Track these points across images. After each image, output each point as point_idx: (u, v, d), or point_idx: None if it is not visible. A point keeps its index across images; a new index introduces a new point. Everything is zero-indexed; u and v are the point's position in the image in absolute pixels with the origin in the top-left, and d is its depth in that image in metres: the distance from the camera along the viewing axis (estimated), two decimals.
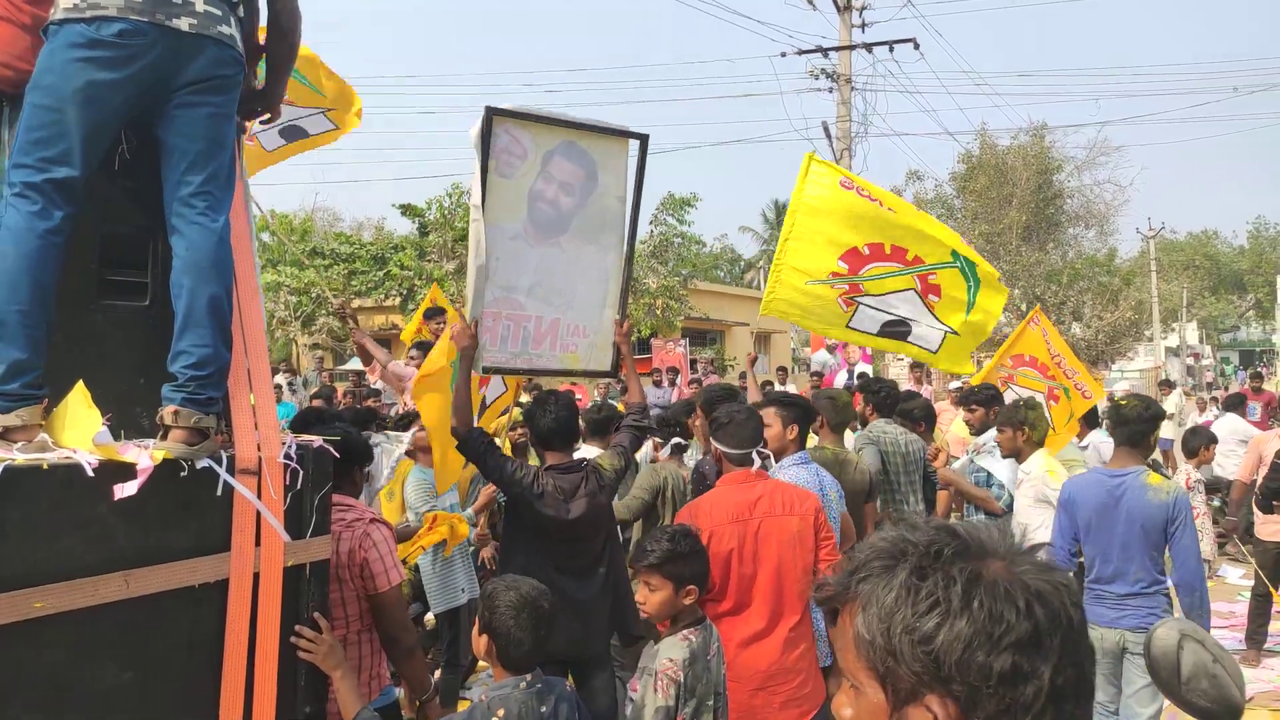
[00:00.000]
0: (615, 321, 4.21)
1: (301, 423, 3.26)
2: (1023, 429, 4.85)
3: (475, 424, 3.95)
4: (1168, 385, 18.77)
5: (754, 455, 3.67)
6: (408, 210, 24.52)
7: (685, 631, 2.94)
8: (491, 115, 3.79)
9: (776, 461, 4.15)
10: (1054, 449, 5.67)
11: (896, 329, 5.73)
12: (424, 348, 7.36)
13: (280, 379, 14.16)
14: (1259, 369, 23.57)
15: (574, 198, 4.05)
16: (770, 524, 3.39)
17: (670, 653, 2.88)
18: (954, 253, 5.55)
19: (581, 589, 3.74)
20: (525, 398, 12.74)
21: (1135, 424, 4.08)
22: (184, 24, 2.28)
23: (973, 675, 0.89)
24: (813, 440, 4.98)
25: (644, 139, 4.15)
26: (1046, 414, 5.53)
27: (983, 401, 5.92)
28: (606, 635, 3.89)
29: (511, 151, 3.89)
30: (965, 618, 0.89)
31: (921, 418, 6.61)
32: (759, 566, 3.36)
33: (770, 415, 4.18)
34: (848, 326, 5.75)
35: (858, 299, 5.66)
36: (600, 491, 3.81)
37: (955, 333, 5.64)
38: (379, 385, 9.01)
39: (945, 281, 5.57)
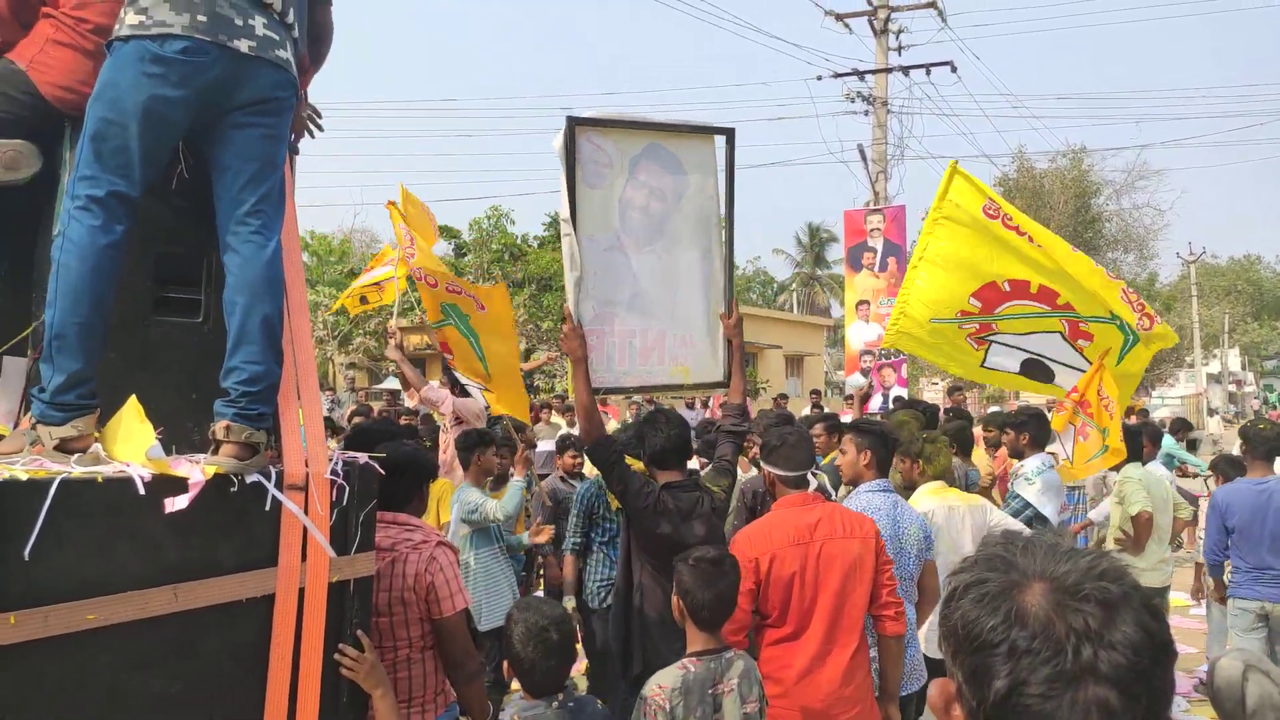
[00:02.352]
0: (722, 316, 4.02)
1: (364, 439, 3.28)
2: (918, 462, 4.70)
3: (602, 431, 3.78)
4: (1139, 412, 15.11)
5: (808, 477, 3.63)
6: (444, 232, 24.80)
7: (686, 660, 2.89)
8: (574, 125, 3.69)
9: (854, 488, 4.09)
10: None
11: (1038, 370, 5.22)
12: (451, 373, 7.45)
13: (322, 399, 14.32)
14: None
15: (665, 202, 3.90)
16: (832, 547, 3.31)
17: (662, 679, 2.83)
18: (1112, 313, 4.92)
19: None
20: (559, 421, 12.75)
21: (1274, 441, 5.27)
22: (244, 46, 2.34)
23: (958, 666, 1.01)
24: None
25: (730, 133, 4.01)
26: (1069, 448, 5.39)
27: (1016, 426, 5.82)
28: None
29: (597, 160, 3.76)
30: (958, 615, 1.01)
31: (953, 440, 6.53)
32: (820, 591, 3.28)
33: (845, 442, 4.13)
34: (983, 366, 5.30)
35: (990, 338, 5.16)
36: (714, 513, 3.72)
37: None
38: (415, 406, 9.12)
39: (1099, 332, 4.96)
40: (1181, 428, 10.22)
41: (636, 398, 16.05)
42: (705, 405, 16.49)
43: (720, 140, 4.00)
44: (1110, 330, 4.89)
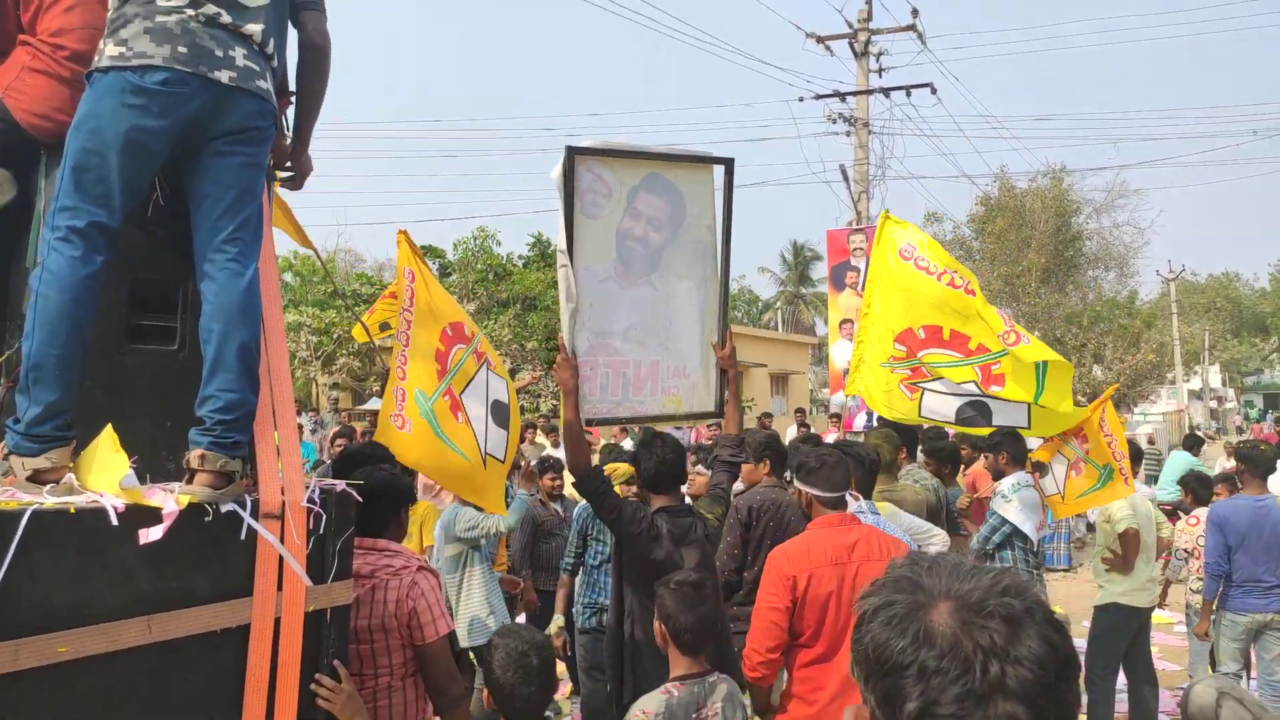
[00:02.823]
0: (714, 346, 4.02)
1: (348, 463, 3.25)
2: None
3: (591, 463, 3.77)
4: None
5: (846, 499, 3.62)
6: (428, 252, 24.81)
7: (669, 684, 2.88)
8: (573, 155, 3.68)
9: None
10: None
11: (977, 411, 5.19)
12: None
13: (303, 420, 14.27)
14: None
15: (663, 233, 3.91)
16: (869, 568, 3.29)
17: (645, 705, 2.83)
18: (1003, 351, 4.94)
19: None
20: (544, 441, 12.72)
21: (1272, 461, 5.87)
22: (224, 76, 2.34)
23: (871, 690, 1.01)
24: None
25: (729, 163, 4.02)
26: (1059, 481, 5.38)
27: (992, 448, 5.83)
28: None
29: (596, 190, 3.76)
30: (868, 638, 1.01)
31: (947, 459, 6.59)
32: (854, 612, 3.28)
33: None
34: (920, 415, 5.29)
35: (921, 384, 5.18)
36: (706, 540, 3.71)
37: (1039, 405, 5.06)
38: None
39: (1010, 371, 4.95)
40: (1194, 443, 10.41)
41: None
42: (692, 426, 16.47)
43: (719, 170, 4.01)
44: (1024, 371, 4.89)
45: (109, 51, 2.27)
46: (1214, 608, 5.73)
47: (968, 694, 0.92)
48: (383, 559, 3.02)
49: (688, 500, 4.47)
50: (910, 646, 0.96)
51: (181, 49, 2.28)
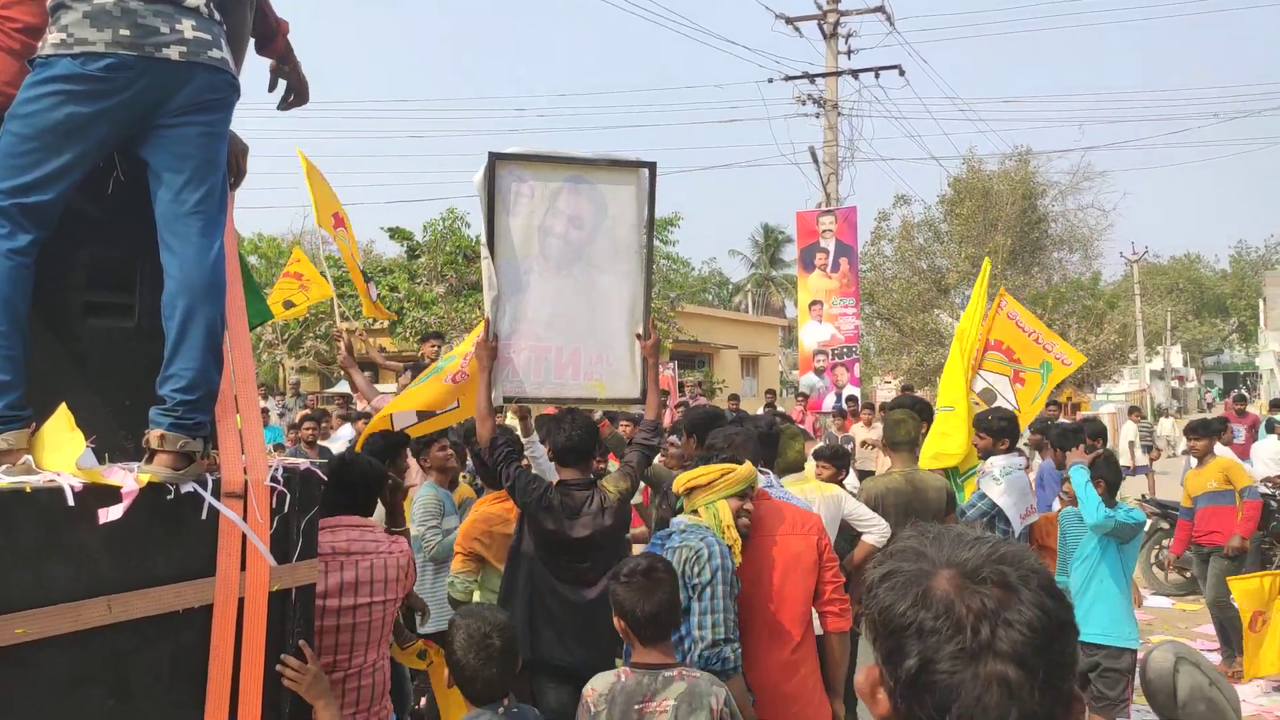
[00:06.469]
0: (637, 337, 4.17)
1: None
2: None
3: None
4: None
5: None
6: (396, 233, 24.57)
7: (623, 668, 2.86)
8: (495, 160, 3.88)
9: None
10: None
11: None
12: (419, 369, 7.36)
13: (270, 404, 14.12)
14: (1242, 391, 23.74)
15: (584, 230, 4.09)
16: (771, 542, 3.34)
17: (596, 682, 2.82)
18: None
19: (579, 595, 3.80)
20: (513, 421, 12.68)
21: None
22: (173, 53, 2.26)
23: (878, 649, 1.09)
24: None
25: (652, 166, 4.18)
26: (1010, 397, 5.90)
27: (994, 432, 5.72)
28: (609, 650, 3.81)
29: (518, 192, 3.97)
30: (875, 603, 1.10)
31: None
32: (759, 587, 3.30)
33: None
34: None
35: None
36: (603, 513, 3.83)
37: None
38: (370, 410, 8.97)
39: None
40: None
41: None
42: (663, 406, 16.48)
43: (644, 173, 4.17)
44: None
45: (51, 39, 2.20)
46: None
47: (960, 652, 1.01)
48: (360, 534, 3.07)
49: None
50: (911, 609, 1.05)
51: (124, 31, 2.20)
